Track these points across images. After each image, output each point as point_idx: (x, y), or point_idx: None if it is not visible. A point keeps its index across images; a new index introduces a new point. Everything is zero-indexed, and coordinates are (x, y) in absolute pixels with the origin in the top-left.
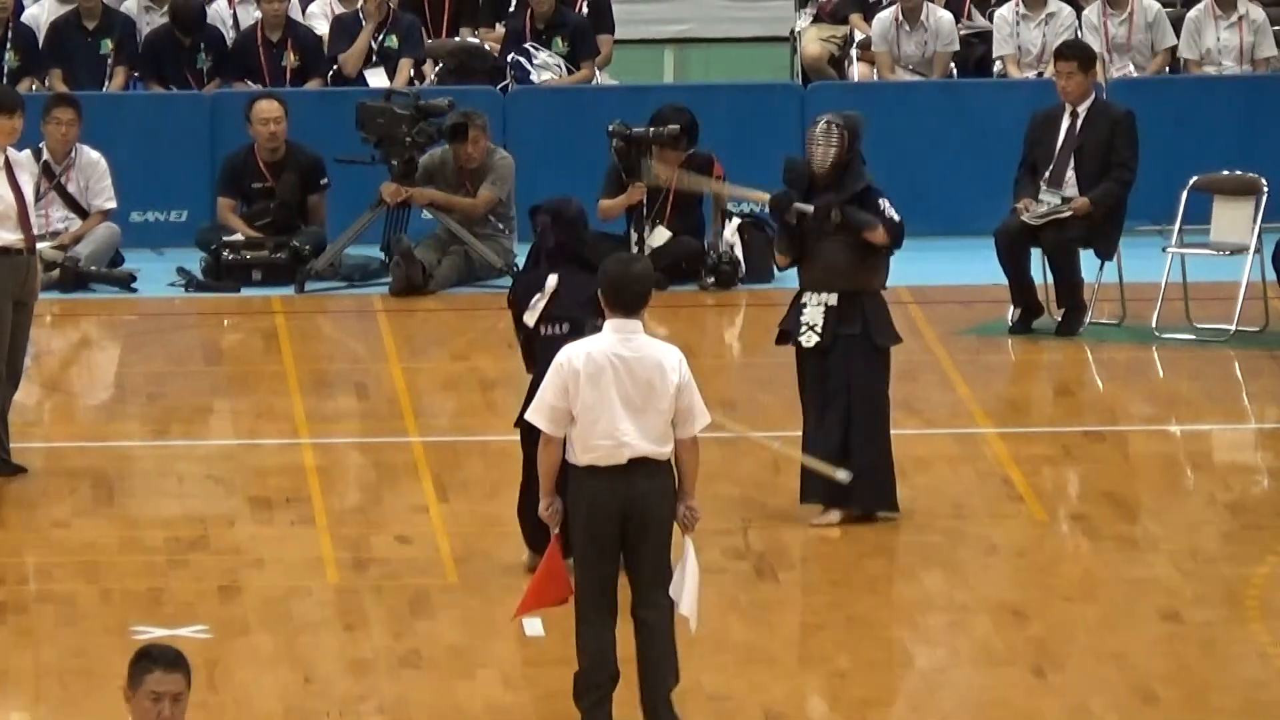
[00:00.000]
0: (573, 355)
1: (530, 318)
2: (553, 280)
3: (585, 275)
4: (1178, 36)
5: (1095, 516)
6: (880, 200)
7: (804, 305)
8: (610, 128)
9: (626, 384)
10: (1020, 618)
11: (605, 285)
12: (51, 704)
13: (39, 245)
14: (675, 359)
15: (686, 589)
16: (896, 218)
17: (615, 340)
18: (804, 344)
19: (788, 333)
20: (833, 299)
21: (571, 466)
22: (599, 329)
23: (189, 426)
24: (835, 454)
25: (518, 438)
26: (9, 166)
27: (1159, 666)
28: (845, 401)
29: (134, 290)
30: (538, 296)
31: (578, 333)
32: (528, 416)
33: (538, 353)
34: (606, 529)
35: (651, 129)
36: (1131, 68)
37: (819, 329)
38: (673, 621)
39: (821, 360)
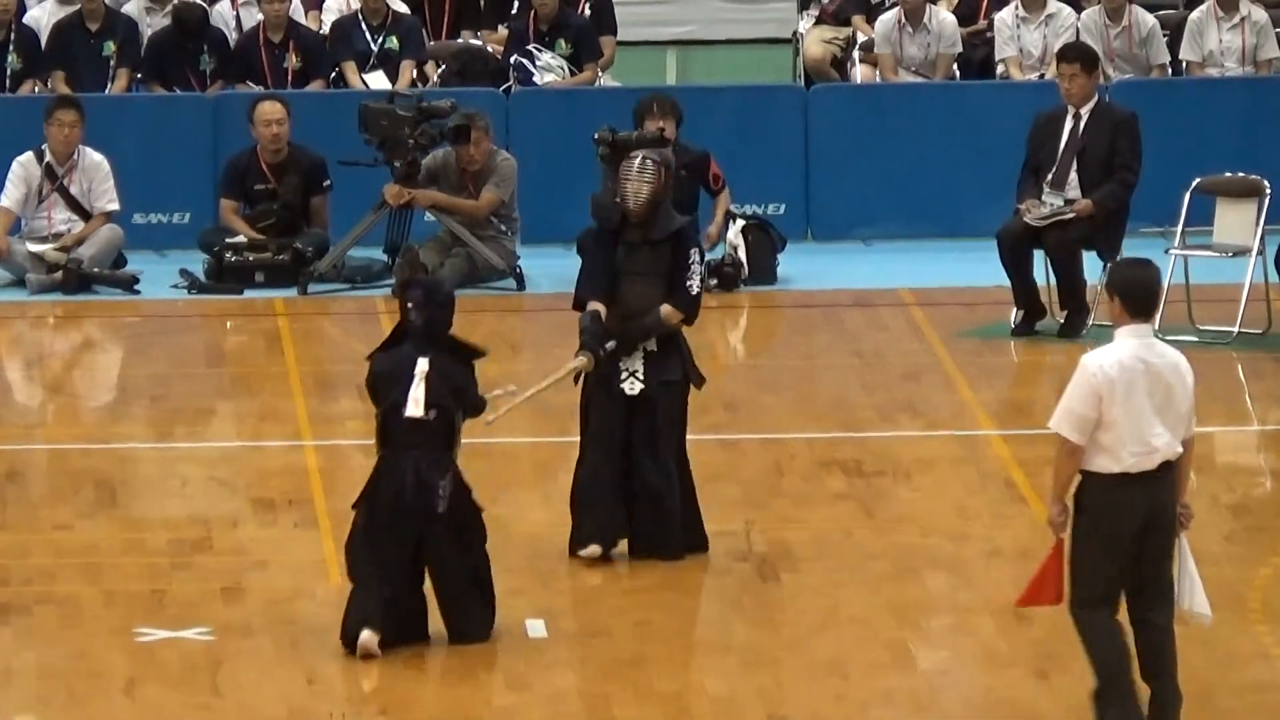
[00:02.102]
0: (1105, 364)
1: (416, 410)
2: (423, 364)
3: (452, 362)
4: (1179, 39)
5: None
6: (691, 252)
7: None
8: (596, 135)
9: (1153, 388)
10: (1023, 619)
11: (1123, 290)
12: (55, 706)
13: (43, 247)
14: (1185, 361)
15: (1195, 588)
16: (695, 290)
17: (1138, 345)
18: (628, 391)
19: (607, 379)
20: (652, 344)
21: (1092, 475)
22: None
23: (192, 428)
24: (678, 497)
25: (521, 439)
26: None
27: None
28: (673, 446)
29: (137, 292)
30: (414, 384)
31: (445, 420)
32: (1052, 425)
33: (393, 435)
34: (1128, 534)
35: (635, 134)
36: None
37: (640, 375)
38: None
39: (637, 406)
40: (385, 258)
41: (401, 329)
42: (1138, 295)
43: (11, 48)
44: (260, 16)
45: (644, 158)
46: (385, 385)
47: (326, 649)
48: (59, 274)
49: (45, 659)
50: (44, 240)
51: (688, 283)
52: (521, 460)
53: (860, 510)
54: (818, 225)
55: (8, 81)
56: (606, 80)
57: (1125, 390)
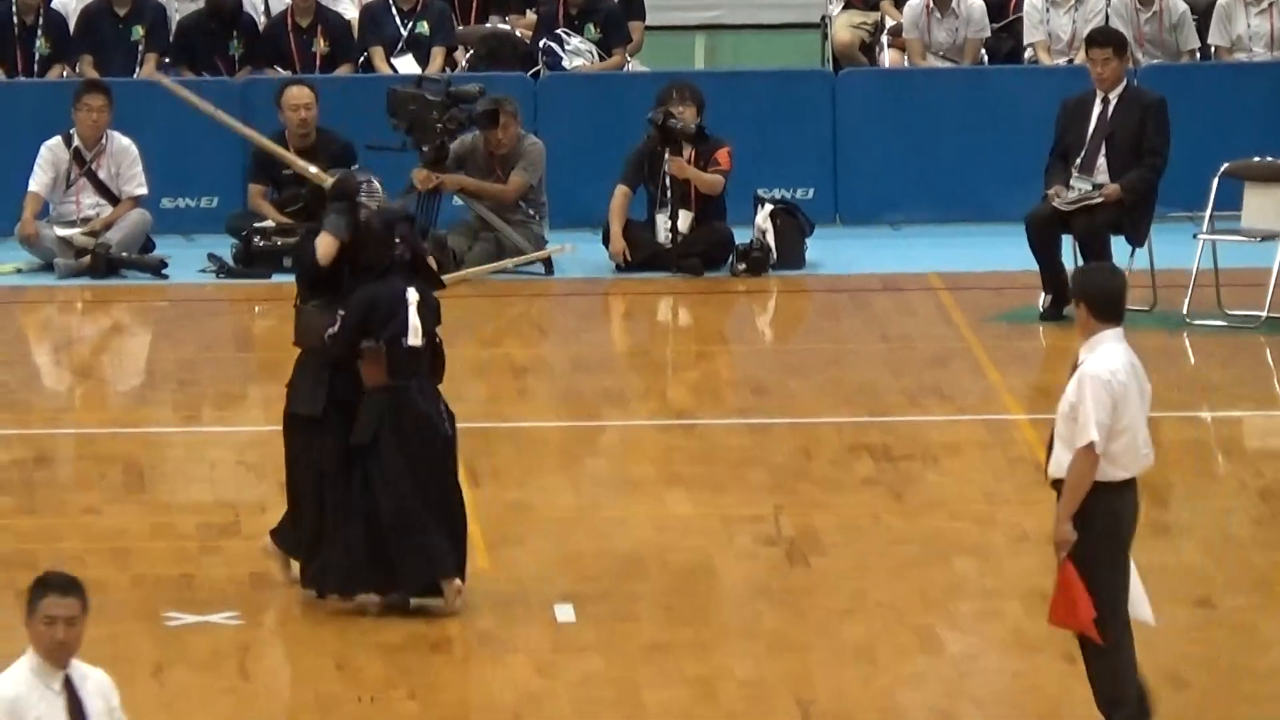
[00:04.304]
0: (1115, 370)
1: (416, 339)
2: (413, 294)
3: (429, 289)
4: (1207, 25)
5: None
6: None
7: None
8: (650, 115)
9: (1143, 391)
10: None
11: (1097, 297)
12: None
13: (71, 231)
14: None
15: (1141, 594)
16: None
17: (1125, 350)
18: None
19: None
20: None
21: (1101, 485)
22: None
23: (220, 413)
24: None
25: (550, 423)
26: None
27: (1189, 652)
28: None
29: (165, 276)
30: (410, 313)
31: (432, 345)
32: (1085, 441)
33: (397, 366)
34: (1130, 539)
35: (680, 125)
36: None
37: None
38: None
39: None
40: None
41: (389, 260)
42: (1109, 301)
43: (40, 32)
44: (289, 1)
45: (369, 183)
46: (380, 316)
47: (354, 633)
48: (87, 258)
49: None
50: (72, 225)
51: None
52: (549, 445)
53: (888, 495)
54: (846, 210)
55: (36, 66)
56: (635, 65)
57: (1136, 395)
